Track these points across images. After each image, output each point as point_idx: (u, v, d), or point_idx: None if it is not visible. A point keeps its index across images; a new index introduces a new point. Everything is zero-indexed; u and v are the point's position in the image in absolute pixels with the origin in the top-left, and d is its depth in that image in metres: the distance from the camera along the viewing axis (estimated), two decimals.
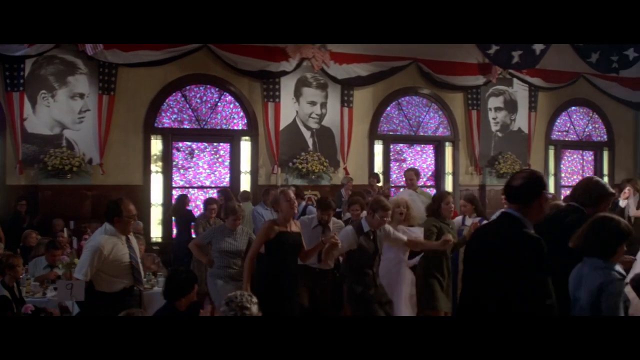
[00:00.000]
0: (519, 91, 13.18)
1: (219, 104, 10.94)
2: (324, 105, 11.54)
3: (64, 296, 4.37)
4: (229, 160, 11.09)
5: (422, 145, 12.77)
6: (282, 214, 5.53)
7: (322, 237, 5.82)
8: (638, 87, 13.92)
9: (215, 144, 11.05)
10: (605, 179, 13.98)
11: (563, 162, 13.96)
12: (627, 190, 9.57)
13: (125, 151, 10.16)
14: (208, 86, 10.86)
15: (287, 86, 11.23)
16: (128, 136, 10.20)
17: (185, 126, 10.74)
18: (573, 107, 13.97)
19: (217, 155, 11.04)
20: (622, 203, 9.40)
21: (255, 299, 3.76)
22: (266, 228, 5.54)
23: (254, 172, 11.10)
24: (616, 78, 13.42)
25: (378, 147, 12.22)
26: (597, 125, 14.24)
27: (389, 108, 12.28)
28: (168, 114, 10.59)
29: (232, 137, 11.06)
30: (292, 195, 5.54)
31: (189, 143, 10.88)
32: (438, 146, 12.82)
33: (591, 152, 14.34)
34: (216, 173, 11.03)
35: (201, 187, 10.91)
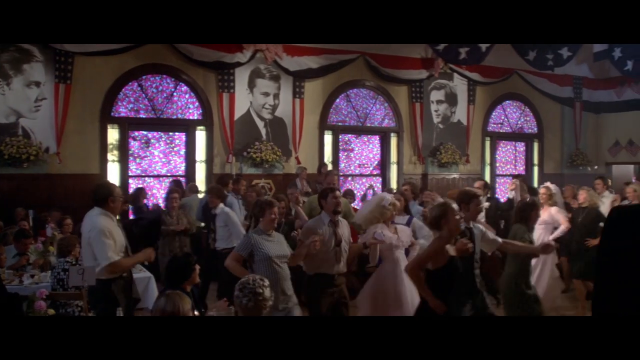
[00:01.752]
0: (459, 85, 13.89)
1: (174, 93, 11.05)
2: (276, 96, 11.84)
3: (76, 281, 4.53)
4: (184, 150, 11.23)
5: (369, 136, 13.27)
6: (447, 229, 4.73)
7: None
8: (565, 84, 14.93)
9: (170, 133, 11.16)
10: (535, 169, 14.99)
11: (498, 152, 14.80)
12: (514, 182, 10.16)
13: (82, 140, 10.14)
14: (164, 76, 10.95)
15: (241, 77, 11.46)
16: (85, 125, 10.17)
17: (141, 115, 10.79)
18: (507, 101, 14.81)
19: (173, 145, 11.17)
20: (510, 194, 9.92)
21: (267, 282, 4.02)
22: (438, 248, 4.69)
23: (209, 161, 11.29)
24: (546, 75, 14.34)
25: (328, 137, 12.62)
26: (528, 118, 15.16)
27: (338, 100, 12.70)
28: (124, 103, 10.61)
29: (187, 127, 11.20)
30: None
31: (145, 132, 10.94)
32: (384, 137, 13.36)
33: (523, 143, 15.25)
34: (172, 162, 11.15)
35: (157, 176, 11.01)
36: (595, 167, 14.88)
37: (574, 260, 8.24)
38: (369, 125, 13.15)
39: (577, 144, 15.22)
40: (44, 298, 4.17)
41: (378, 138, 13.38)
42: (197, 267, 5.14)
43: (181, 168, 11.22)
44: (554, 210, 8.08)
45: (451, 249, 4.74)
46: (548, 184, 8.64)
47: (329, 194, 5.70)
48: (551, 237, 7.72)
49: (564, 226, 7.96)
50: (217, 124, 11.28)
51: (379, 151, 13.38)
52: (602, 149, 15.47)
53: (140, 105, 10.76)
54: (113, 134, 10.55)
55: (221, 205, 8.01)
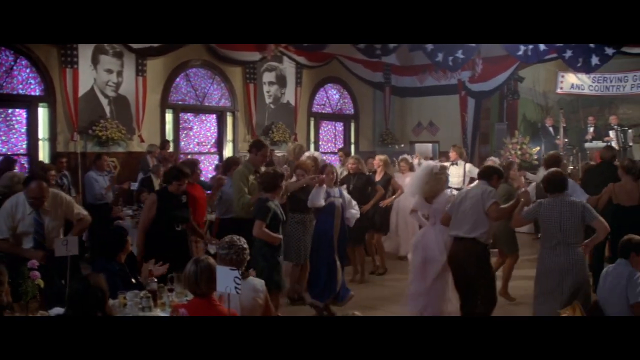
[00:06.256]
0: (288, 68, 14.79)
1: (14, 67, 10.45)
2: (120, 73, 11.72)
3: (61, 252, 4.59)
4: (25, 127, 10.70)
5: (207, 115, 13.66)
6: None
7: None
8: (377, 69, 16.50)
9: (10, 110, 10.55)
10: (352, 147, 16.49)
11: (321, 131, 16.04)
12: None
13: None
14: (2, 48, 10.29)
15: (84, 53, 11.16)
16: None
17: None
18: (329, 84, 16.06)
19: (13, 122, 10.58)
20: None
21: (246, 244, 4.56)
22: None
23: (52, 139, 10.89)
24: (361, 60, 15.80)
25: (169, 116, 12.79)
26: (346, 100, 16.58)
27: (178, 79, 12.89)
28: None
29: (28, 103, 10.68)
30: None
31: None
32: (220, 116, 13.82)
33: (341, 123, 16.67)
34: (12, 140, 10.57)
35: None
36: (402, 145, 16.76)
37: None
38: (207, 104, 13.52)
39: (387, 124, 16.98)
40: (36, 268, 4.22)
41: (215, 117, 13.81)
42: (129, 239, 5.48)
43: (22, 146, 10.68)
44: None
45: None
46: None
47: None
48: None
49: None
50: (60, 100, 10.91)
51: (216, 130, 13.82)
52: (407, 129, 17.44)
53: None
54: None
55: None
